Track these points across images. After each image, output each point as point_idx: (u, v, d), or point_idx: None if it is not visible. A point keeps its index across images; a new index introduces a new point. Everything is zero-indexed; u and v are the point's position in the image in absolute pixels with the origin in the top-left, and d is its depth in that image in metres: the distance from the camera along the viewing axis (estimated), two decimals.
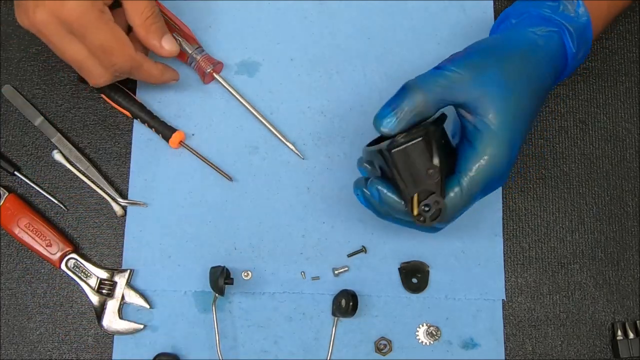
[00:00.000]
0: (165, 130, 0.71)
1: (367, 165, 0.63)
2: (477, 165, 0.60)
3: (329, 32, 0.75)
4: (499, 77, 0.60)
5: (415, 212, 0.59)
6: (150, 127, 0.71)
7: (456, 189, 0.60)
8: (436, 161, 0.58)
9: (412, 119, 0.59)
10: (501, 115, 0.60)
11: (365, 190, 0.62)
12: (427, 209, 0.59)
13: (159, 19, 0.66)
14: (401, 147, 0.58)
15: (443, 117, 0.62)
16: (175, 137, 0.71)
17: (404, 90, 0.60)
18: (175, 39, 0.70)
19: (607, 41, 0.76)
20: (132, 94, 0.72)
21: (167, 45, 0.67)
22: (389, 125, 0.59)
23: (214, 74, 0.72)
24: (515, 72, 0.61)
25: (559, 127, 0.75)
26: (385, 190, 0.60)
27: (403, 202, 0.60)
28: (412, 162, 0.58)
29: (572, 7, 0.64)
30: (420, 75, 0.61)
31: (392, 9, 0.76)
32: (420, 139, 0.58)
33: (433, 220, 0.59)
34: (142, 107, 0.72)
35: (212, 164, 0.71)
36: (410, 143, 0.58)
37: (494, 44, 0.63)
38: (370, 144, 0.64)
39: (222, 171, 0.71)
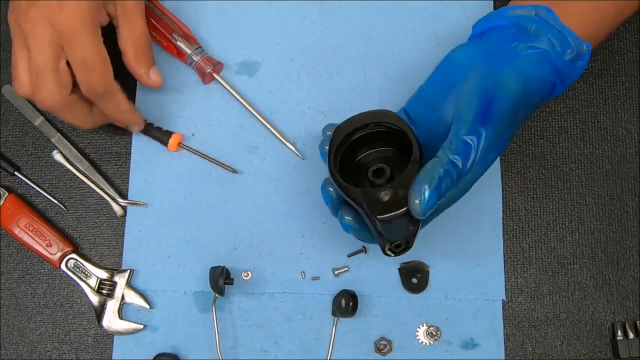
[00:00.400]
0: (161, 136, 0.71)
1: (332, 190, 0.63)
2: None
3: (329, 32, 0.75)
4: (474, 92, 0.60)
5: (386, 250, 0.61)
6: (147, 135, 0.72)
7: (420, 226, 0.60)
8: (416, 224, 0.59)
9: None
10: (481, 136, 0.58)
11: (330, 189, 0.63)
12: (397, 249, 0.61)
13: (151, 48, 0.67)
14: (386, 217, 0.58)
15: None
16: (173, 140, 0.71)
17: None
18: (175, 40, 0.70)
19: (607, 41, 0.76)
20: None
21: (154, 75, 0.68)
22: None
23: (214, 74, 0.72)
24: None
25: (559, 127, 0.75)
26: (356, 226, 0.62)
27: (374, 240, 0.62)
28: (394, 226, 0.59)
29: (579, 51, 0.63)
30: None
31: (392, 9, 0.76)
32: (405, 209, 0.57)
33: (401, 254, 0.61)
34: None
35: (213, 159, 0.71)
36: (397, 213, 0.58)
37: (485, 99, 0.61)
38: (331, 150, 0.62)
39: (225, 165, 0.71)
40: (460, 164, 0.57)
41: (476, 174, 0.61)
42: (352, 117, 0.63)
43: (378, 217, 0.58)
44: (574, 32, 0.62)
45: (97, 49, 0.62)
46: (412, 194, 0.57)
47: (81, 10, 0.60)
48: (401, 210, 0.57)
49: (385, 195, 0.58)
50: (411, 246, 0.61)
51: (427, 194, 0.56)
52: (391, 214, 0.58)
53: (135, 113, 0.69)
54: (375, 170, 0.62)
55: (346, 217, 0.62)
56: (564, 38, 0.62)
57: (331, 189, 0.63)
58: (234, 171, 0.71)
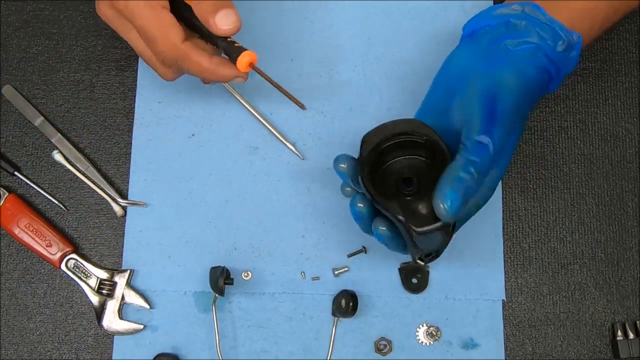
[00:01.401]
0: (231, 50, 0.62)
1: (361, 206, 0.61)
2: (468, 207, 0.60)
3: (329, 32, 0.75)
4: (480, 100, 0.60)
5: (417, 259, 0.63)
6: (216, 45, 0.63)
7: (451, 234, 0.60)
8: (450, 234, 0.59)
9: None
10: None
11: (359, 205, 0.61)
12: (427, 258, 0.62)
13: None
14: (425, 230, 0.57)
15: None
16: (244, 59, 0.62)
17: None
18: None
19: (607, 41, 0.76)
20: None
21: (221, 21, 0.60)
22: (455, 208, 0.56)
23: None
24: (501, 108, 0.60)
25: (559, 127, 0.75)
26: (391, 235, 0.60)
27: (404, 248, 0.62)
28: (429, 238, 0.58)
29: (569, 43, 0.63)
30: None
31: (392, 9, 0.76)
32: (448, 227, 0.57)
33: (430, 262, 0.63)
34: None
35: (282, 88, 0.64)
36: (435, 227, 0.57)
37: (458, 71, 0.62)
38: (362, 166, 0.60)
39: (295, 98, 0.64)
40: (479, 163, 0.57)
41: (495, 179, 0.61)
42: (381, 126, 0.61)
43: (417, 230, 0.57)
44: (563, 24, 0.62)
45: (155, 17, 0.60)
46: (437, 198, 0.55)
47: None
48: (440, 224, 0.57)
49: (423, 208, 0.58)
50: (440, 254, 0.62)
51: (451, 196, 0.55)
52: (430, 227, 0.57)
53: (225, 65, 0.62)
54: (405, 179, 0.60)
55: (380, 228, 0.60)
56: (553, 31, 0.62)
57: (361, 205, 0.61)
58: (303, 107, 0.65)
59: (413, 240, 0.58)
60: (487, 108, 0.59)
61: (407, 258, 0.70)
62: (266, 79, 0.63)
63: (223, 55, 0.64)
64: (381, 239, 0.61)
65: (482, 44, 0.64)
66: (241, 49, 0.61)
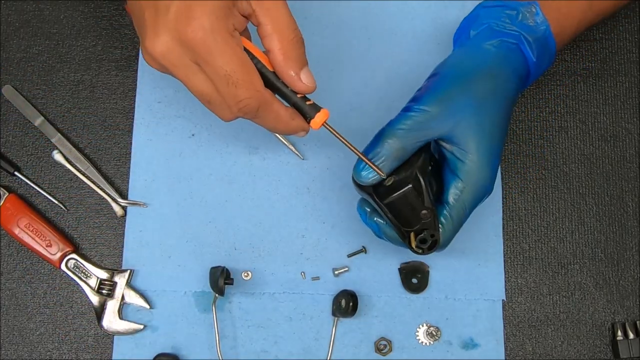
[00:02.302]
0: (307, 109, 0.59)
1: (378, 219, 0.64)
2: (463, 194, 0.61)
3: (329, 32, 0.75)
4: (468, 102, 0.61)
5: (413, 246, 0.61)
6: (291, 102, 0.59)
7: (445, 221, 0.61)
8: (427, 202, 0.60)
9: (392, 165, 0.60)
10: (478, 140, 0.60)
11: (376, 220, 0.64)
12: (423, 245, 0.61)
13: (302, 44, 0.57)
14: (391, 199, 0.59)
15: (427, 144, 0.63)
16: (319, 118, 0.59)
17: (379, 139, 0.61)
18: None
19: (607, 41, 0.76)
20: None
21: (306, 79, 0.57)
22: (369, 176, 0.60)
23: None
24: (483, 93, 0.61)
25: (559, 127, 0.75)
26: (383, 223, 0.63)
27: (400, 236, 0.62)
28: (403, 208, 0.60)
29: (530, 16, 0.64)
30: (391, 121, 0.61)
31: (392, 9, 0.76)
32: (409, 186, 0.59)
33: (430, 251, 0.62)
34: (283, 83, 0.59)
35: (353, 147, 0.60)
36: (400, 193, 0.59)
37: (456, 70, 0.62)
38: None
39: (367, 159, 0.60)
40: (408, 125, 0.60)
41: (483, 174, 0.61)
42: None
43: (383, 202, 0.59)
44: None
45: (238, 59, 0.54)
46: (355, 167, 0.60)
47: (210, 19, 0.52)
48: (401, 191, 0.59)
49: (388, 181, 0.60)
50: (439, 241, 0.61)
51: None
52: (393, 195, 0.59)
53: (297, 117, 0.59)
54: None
55: (375, 219, 0.63)
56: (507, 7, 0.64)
57: (376, 219, 0.63)
58: (382, 173, 0.60)
59: (389, 217, 0.60)
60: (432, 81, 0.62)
61: (407, 258, 0.70)
62: (337, 137, 0.60)
63: None
64: (376, 229, 0.63)
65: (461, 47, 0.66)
66: (316, 107, 0.59)
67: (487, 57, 0.63)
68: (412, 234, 0.61)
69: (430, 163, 0.62)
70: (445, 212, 0.61)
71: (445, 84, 0.61)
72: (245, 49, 0.56)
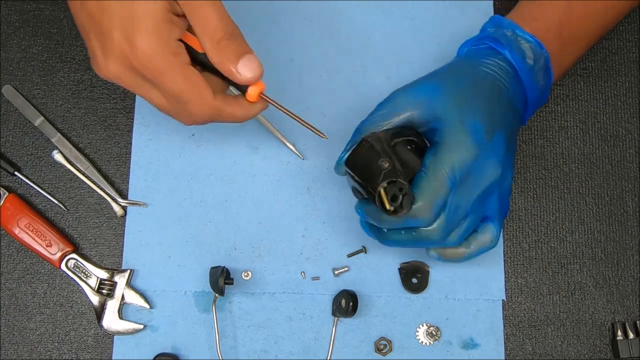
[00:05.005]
0: (243, 87, 0.61)
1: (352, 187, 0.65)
2: (439, 152, 0.60)
3: (329, 32, 0.75)
4: (433, 82, 0.63)
5: (387, 206, 0.59)
6: (223, 77, 0.60)
7: (423, 181, 0.59)
8: (384, 154, 0.60)
9: None
10: (447, 107, 0.61)
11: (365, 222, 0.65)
12: (395, 202, 0.59)
13: (235, 37, 0.58)
14: (348, 158, 0.61)
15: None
16: (253, 90, 0.60)
17: (357, 133, 0.63)
18: None
19: (607, 41, 0.76)
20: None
21: (244, 69, 0.58)
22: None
23: None
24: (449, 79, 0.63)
25: (559, 127, 0.75)
26: (364, 204, 0.63)
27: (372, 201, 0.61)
28: (364, 162, 0.60)
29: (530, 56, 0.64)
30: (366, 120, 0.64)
31: (392, 9, 0.76)
32: (361, 139, 0.61)
33: (407, 207, 0.59)
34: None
35: (299, 118, 0.63)
36: (354, 148, 0.61)
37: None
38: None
39: (313, 127, 0.64)
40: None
41: (480, 177, 0.61)
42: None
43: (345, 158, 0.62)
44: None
45: (184, 78, 0.56)
46: None
47: (151, 43, 0.54)
48: (355, 146, 0.61)
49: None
50: (410, 196, 0.59)
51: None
52: (352, 148, 0.61)
53: (254, 106, 0.61)
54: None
55: (358, 203, 0.64)
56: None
57: (357, 202, 0.64)
58: (324, 136, 0.64)
59: (351, 176, 0.62)
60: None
61: (407, 258, 0.70)
62: (278, 107, 0.62)
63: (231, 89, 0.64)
64: (361, 214, 0.64)
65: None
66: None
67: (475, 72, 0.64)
68: (383, 194, 0.59)
69: (408, 146, 0.62)
70: (422, 173, 0.60)
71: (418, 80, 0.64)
72: (187, 46, 0.57)
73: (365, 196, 0.63)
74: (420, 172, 0.60)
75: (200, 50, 0.58)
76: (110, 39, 0.54)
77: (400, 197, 0.59)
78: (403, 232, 0.62)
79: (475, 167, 0.60)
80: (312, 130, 0.64)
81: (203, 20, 0.56)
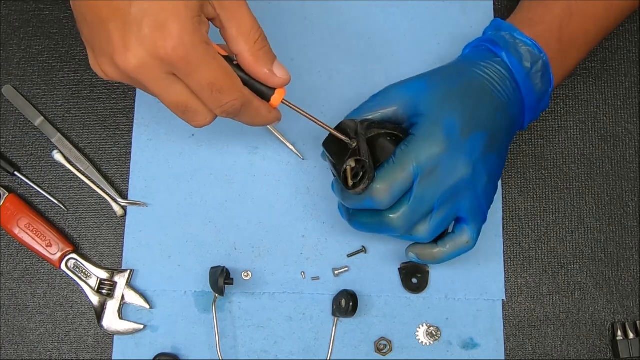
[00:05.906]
0: (263, 88, 0.60)
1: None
2: (410, 144, 0.60)
3: (329, 32, 0.75)
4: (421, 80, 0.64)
5: (349, 181, 0.61)
6: (253, 89, 0.59)
7: (387, 165, 0.60)
8: (355, 136, 0.61)
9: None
10: (430, 106, 0.62)
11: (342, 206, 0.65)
12: (355, 178, 0.61)
13: (266, 40, 0.58)
14: (325, 141, 0.63)
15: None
16: (277, 96, 0.60)
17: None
18: None
19: (607, 41, 0.76)
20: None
21: (279, 72, 0.58)
22: None
23: None
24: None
25: (559, 127, 0.75)
26: (336, 182, 0.63)
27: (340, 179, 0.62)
28: (338, 144, 0.61)
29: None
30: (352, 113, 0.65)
31: (392, 9, 0.76)
32: (339, 123, 0.62)
33: (365, 184, 0.60)
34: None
35: (314, 118, 0.62)
36: (330, 131, 0.62)
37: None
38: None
39: (322, 123, 0.62)
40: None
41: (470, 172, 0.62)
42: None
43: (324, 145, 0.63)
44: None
45: (219, 66, 0.54)
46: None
47: (187, 33, 0.52)
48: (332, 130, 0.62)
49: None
50: (370, 174, 0.60)
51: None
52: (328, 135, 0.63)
53: (275, 111, 0.61)
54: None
55: (333, 181, 0.65)
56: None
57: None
58: (352, 144, 0.62)
59: (329, 158, 0.63)
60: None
61: (407, 258, 0.70)
62: (298, 112, 0.62)
63: None
64: (332, 186, 0.65)
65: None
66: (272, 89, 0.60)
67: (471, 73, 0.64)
68: (348, 170, 0.61)
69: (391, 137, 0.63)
70: (390, 159, 0.61)
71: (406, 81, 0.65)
72: None
73: (336, 175, 0.64)
74: (389, 158, 0.61)
75: (223, 54, 0.57)
76: (139, 28, 0.52)
77: (361, 174, 0.60)
78: (368, 215, 0.63)
79: (444, 162, 0.60)
80: (338, 136, 0.62)
81: (239, 21, 0.56)
